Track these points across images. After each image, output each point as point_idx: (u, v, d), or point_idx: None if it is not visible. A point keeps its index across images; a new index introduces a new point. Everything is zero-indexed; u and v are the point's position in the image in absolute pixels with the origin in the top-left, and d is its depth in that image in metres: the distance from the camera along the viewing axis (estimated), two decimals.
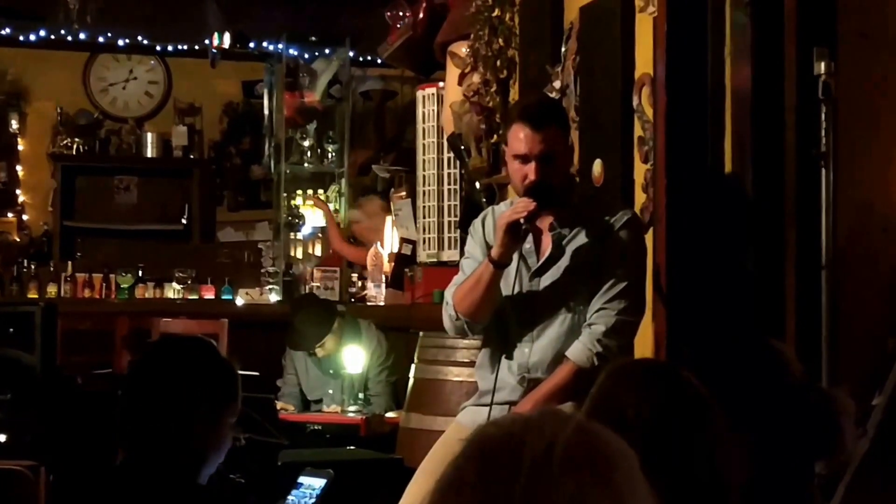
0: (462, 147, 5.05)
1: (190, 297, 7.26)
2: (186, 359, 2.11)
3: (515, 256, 3.04)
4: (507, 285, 3.05)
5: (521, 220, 2.92)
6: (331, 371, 5.27)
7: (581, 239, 3.05)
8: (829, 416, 1.76)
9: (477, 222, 3.22)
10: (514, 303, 3.07)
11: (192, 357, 2.12)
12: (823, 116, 3.10)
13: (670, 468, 1.31)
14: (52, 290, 7.18)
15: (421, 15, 5.55)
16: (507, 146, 3.08)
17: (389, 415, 5.12)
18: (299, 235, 7.69)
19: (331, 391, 5.29)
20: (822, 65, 3.12)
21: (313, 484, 2.29)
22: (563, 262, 3.05)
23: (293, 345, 5.36)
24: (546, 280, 3.06)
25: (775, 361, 1.77)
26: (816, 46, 3.14)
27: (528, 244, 3.06)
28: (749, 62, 3.32)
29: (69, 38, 7.65)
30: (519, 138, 2.98)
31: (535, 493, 0.96)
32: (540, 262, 3.06)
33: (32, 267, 7.33)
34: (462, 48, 5.02)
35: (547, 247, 3.07)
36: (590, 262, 3.03)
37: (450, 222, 5.47)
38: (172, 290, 7.32)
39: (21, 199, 7.98)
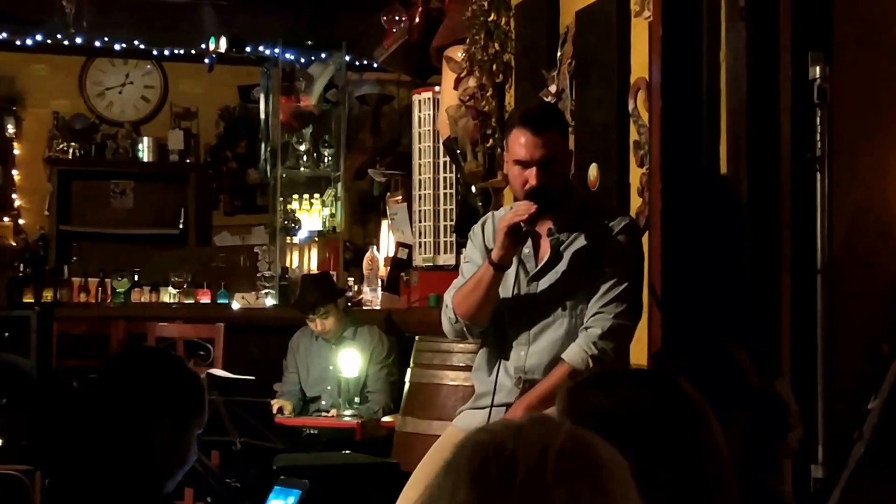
0: (458, 151, 5.05)
1: (186, 302, 7.25)
2: (146, 371, 2.09)
3: (514, 260, 3.04)
4: (506, 289, 3.06)
5: (522, 223, 2.93)
6: (331, 367, 5.29)
7: (579, 243, 3.05)
8: (783, 416, 1.78)
9: (477, 227, 3.22)
10: (511, 306, 3.08)
11: (153, 369, 2.10)
12: (819, 121, 3.10)
13: (666, 476, 1.31)
14: (47, 294, 7.17)
15: (417, 19, 5.55)
16: (506, 151, 3.08)
17: (385, 419, 5.12)
18: (295, 240, 7.69)
19: (329, 387, 5.31)
20: (818, 69, 3.13)
21: (286, 497, 2.24)
22: (561, 266, 3.05)
23: (298, 306, 5.58)
24: (544, 284, 3.07)
25: (735, 366, 1.78)
26: (812, 51, 3.15)
27: (527, 248, 3.07)
28: (744, 66, 3.32)
29: (65, 42, 7.65)
30: (520, 143, 2.98)
31: (530, 503, 0.96)
32: (538, 267, 3.07)
33: (28, 271, 7.32)
34: (458, 52, 5.03)
35: (545, 251, 3.08)
36: (587, 266, 3.03)
37: (446, 226, 5.47)
38: (168, 295, 7.31)
39: (17, 203, 7.96)
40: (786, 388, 1.81)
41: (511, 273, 3.06)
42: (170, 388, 2.06)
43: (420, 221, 5.57)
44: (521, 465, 0.98)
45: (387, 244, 6.69)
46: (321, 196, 7.74)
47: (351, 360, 5.23)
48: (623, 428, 1.29)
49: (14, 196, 7.95)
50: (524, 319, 3.08)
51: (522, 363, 3.06)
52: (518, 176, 3.00)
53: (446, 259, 5.44)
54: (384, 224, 6.78)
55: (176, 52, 8.05)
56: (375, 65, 7.04)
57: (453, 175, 5.44)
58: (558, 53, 4.29)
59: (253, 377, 4.79)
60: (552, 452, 0.98)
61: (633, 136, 3.77)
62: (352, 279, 6.99)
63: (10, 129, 7.96)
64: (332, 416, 5.19)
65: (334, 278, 6.46)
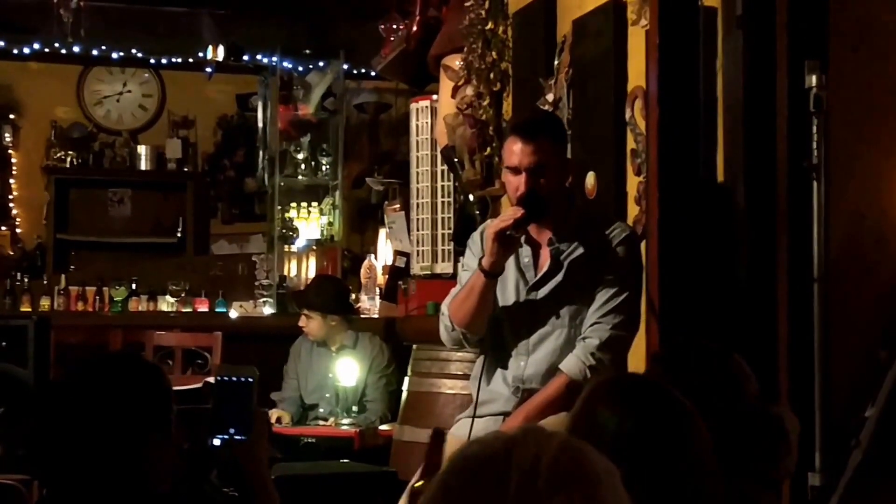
0: (455, 160, 5.06)
1: (184, 310, 7.25)
2: (123, 378, 2.02)
3: (513, 269, 3.05)
4: (506, 298, 3.07)
5: (508, 229, 2.93)
6: (330, 375, 5.29)
7: (579, 253, 3.06)
8: (780, 437, 1.77)
9: (476, 235, 3.23)
10: (511, 316, 3.09)
11: (128, 376, 2.02)
12: (815, 129, 3.11)
13: (651, 485, 1.31)
14: (45, 303, 7.17)
15: (414, 28, 5.56)
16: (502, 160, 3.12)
17: (383, 427, 5.12)
18: (293, 248, 7.69)
19: (328, 395, 5.30)
20: (814, 77, 3.13)
21: (234, 391, 2.10)
22: (561, 276, 3.06)
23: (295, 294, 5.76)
24: (543, 294, 3.07)
25: (732, 379, 1.78)
26: (808, 59, 3.15)
27: (527, 258, 3.08)
28: (741, 75, 3.33)
29: (63, 50, 7.65)
30: (511, 151, 3.01)
31: None
32: (538, 277, 3.08)
33: (26, 280, 7.32)
34: (455, 61, 5.03)
35: (545, 261, 3.08)
36: (587, 276, 3.04)
37: (443, 235, 5.48)
38: (166, 303, 7.31)
39: (14, 212, 7.96)
40: (788, 415, 1.80)
41: (511, 282, 3.07)
42: (147, 389, 2.03)
43: (418, 230, 5.58)
44: (513, 476, 0.98)
45: (385, 252, 6.69)
46: (319, 204, 7.74)
47: (350, 369, 5.22)
48: (608, 441, 1.29)
49: (11, 205, 7.95)
50: (523, 329, 3.08)
51: (521, 372, 3.07)
52: (510, 183, 3.04)
53: (444, 267, 5.45)
54: (382, 232, 6.79)
55: (174, 60, 8.06)
56: (373, 73, 7.04)
57: (451, 183, 5.45)
58: (555, 62, 4.30)
59: None
60: (544, 462, 0.99)
61: (630, 144, 3.78)
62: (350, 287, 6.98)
63: (8, 137, 7.96)
64: (330, 425, 5.18)
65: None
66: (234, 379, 2.11)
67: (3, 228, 7.85)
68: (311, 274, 7.51)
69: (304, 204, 7.74)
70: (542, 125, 3.14)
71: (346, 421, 5.14)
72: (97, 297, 7.28)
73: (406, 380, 4.79)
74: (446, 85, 5.14)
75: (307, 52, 7.72)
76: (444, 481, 1.02)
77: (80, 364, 2.07)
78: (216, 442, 2.06)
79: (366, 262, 6.68)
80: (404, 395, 4.77)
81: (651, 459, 1.33)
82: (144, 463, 1.98)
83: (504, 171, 3.09)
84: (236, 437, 2.07)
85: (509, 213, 2.98)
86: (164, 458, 2.02)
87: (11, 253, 7.79)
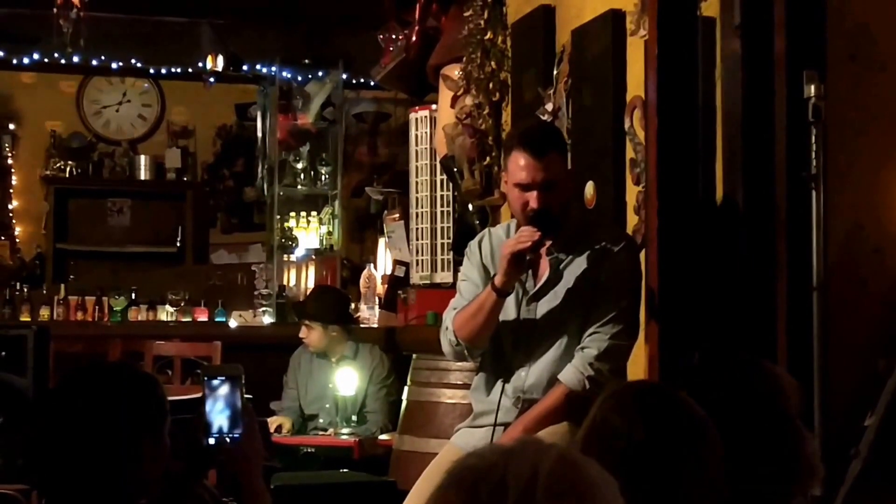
0: (455, 169, 5.06)
1: (183, 320, 7.25)
2: (122, 390, 2.03)
3: None
4: (505, 309, 3.06)
5: (528, 252, 2.92)
6: (329, 385, 5.28)
7: (578, 264, 3.05)
8: (796, 455, 1.76)
9: (473, 245, 3.22)
10: (510, 327, 3.08)
11: (128, 390, 2.04)
12: (813, 138, 3.11)
13: (659, 493, 1.31)
14: (44, 312, 7.17)
15: (413, 38, 5.57)
16: (505, 172, 3.07)
17: (383, 437, 5.12)
18: (293, 258, 7.70)
19: (327, 405, 5.30)
20: (812, 87, 3.14)
21: (221, 390, 2.10)
22: (560, 286, 3.05)
23: (294, 305, 5.78)
24: (543, 304, 3.07)
25: (758, 392, 1.77)
26: (806, 69, 3.16)
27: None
28: (740, 84, 3.33)
29: (63, 61, 7.66)
30: (520, 166, 2.96)
31: None
32: (537, 287, 3.07)
33: (25, 290, 7.32)
34: (455, 71, 5.04)
35: (544, 271, 3.07)
36: (586, 286, 3.03)
37: (443, 244, 5.48)
38: (165, 313, 7.31)
39: (14, 221, 7.97)
40: (809, 437, 1.78)
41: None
42: (144, 401, 2.04)
43: (417, 239, 5.58)
44: (511, 489, 0.98)
45: (384, 262, 6.69)
46: (318, 214, 7.75)
47: (349, 379, 5.22)
48: (619, 448, 1.29)
49: (11, 215, 7.96)
50: (523, 339, 3.07)
51: (521, 383, 3.06)
52: (518, 198, 2.99)
53: (443, 277, 5.44)
54: (381, 242, 6.79)
55: (173, 70, 8.07)
56: (372, 83, 7.05)
57: (450, 193, 5.45)
58: (555, 72, 4.31)
59: (250, 395, 4.77)
60: (542, 475, 0.99)
61: (630, 153, 3.78)
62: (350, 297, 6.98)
63: (7, 147, 7.97)
64: (330, 435, 5.18)
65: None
66: (220, 378, 2.13)
67: (3, 238, 7.85)
68: (311, 283, 7.51)
69: (303, 213, 7.74)
70: (550, 139, 3.09)
71: (345, 430, 5.13)
72: (96, 307, 7.28)
73: (406, 389, 4.79)
74: (445, 95, 5.14)
75: (306, 61, 7.73)
76: (442, 493, 1.02)
77: (74, 373, 2.08)
78: (211, 441, 2.07)
79: (365, 272, 6.68)
80: (404, 404, 4.77)
81: (661, 468, 1.33)
82: (139, 470, 1.99)
83: (508, 185, 3.05)
84: (230, 436, 2.08)
85: (525, 234, 2.93)
86: (158, 465, 2.02)
87: (11, 263, 7.79)
